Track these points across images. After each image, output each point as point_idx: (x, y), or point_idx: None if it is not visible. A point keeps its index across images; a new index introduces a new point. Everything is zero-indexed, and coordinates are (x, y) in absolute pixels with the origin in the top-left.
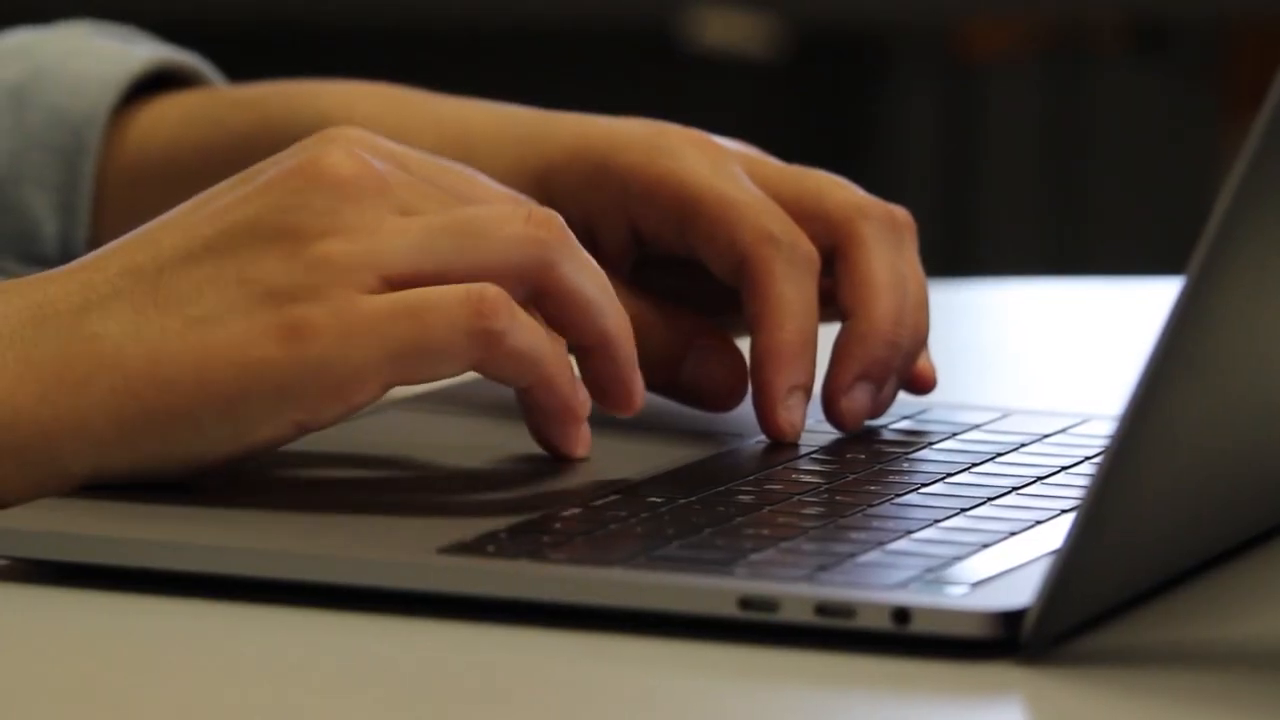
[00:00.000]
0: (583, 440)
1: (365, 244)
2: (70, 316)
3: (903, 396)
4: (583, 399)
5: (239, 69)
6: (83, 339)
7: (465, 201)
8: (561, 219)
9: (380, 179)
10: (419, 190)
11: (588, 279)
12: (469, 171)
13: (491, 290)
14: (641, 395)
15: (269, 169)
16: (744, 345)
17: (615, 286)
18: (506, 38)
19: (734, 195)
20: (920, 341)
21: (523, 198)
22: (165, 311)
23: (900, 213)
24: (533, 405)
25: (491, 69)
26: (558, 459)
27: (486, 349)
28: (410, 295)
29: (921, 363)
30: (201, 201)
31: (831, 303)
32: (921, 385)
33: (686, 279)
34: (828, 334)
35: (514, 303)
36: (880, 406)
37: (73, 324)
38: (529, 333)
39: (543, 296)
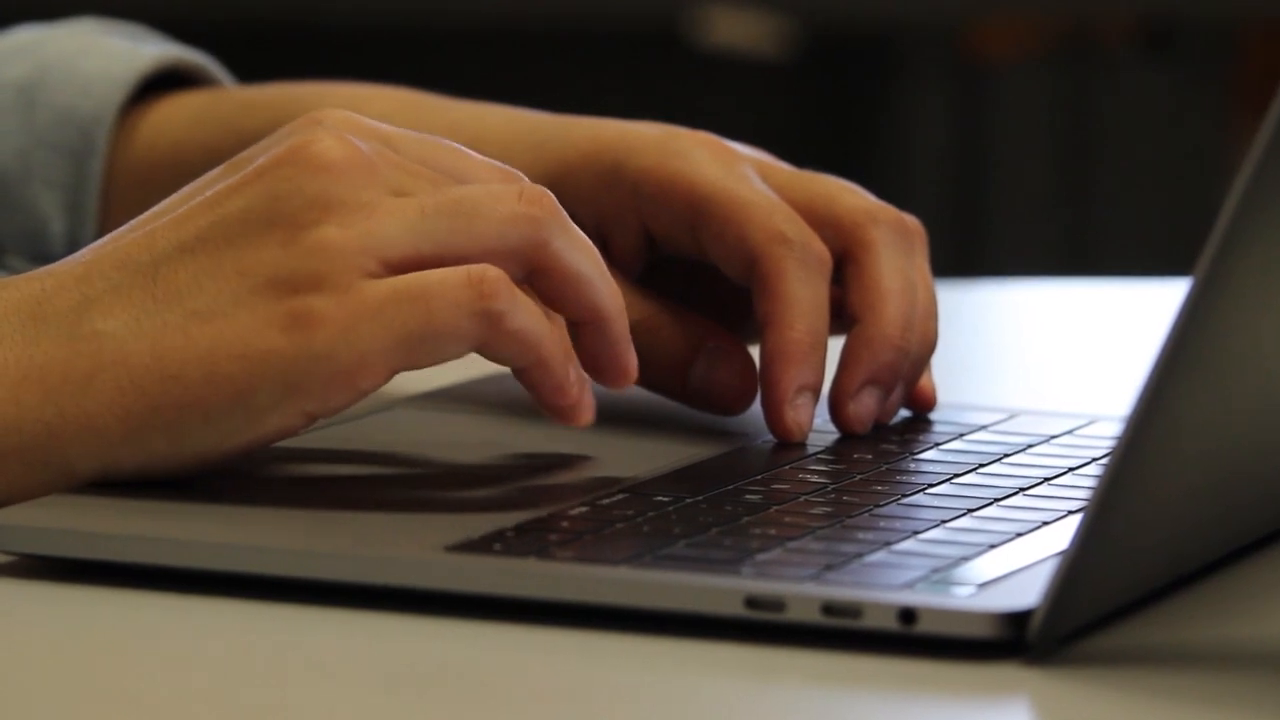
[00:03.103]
0: (584, 410)
1: (361, 228)
2: (69, 314)
3: None
4: (577, 377)
5: (247, 68)
6: (84, 337)
7: (456, 177)
8: (552, 195)
9: (369, 161)
10: (408, 169)
11: (581, 255)
12: (457, 147)
13: (492, 271)
14: (635, 368)
15: (257, 156)
16: (756, 354)
17: (626, 289)
18: (514, 38)
19: (746, 196)
20: (929, 349)
21: (511, 169)
22: (165, 305)
23: (911, 220)
24: (529, 384)
25: (499, 69)
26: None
27: (489, 330)
28: (412, 279)
29: (923, 381)
30: (191, 192)
31: (840, 314)
32: (921, 404)
33: (697, 285)
34: (836, 342)
35: (513, 283)
36: (887, 412)
37: (73, 322)
38: (528, 313)
39: (537, 273)
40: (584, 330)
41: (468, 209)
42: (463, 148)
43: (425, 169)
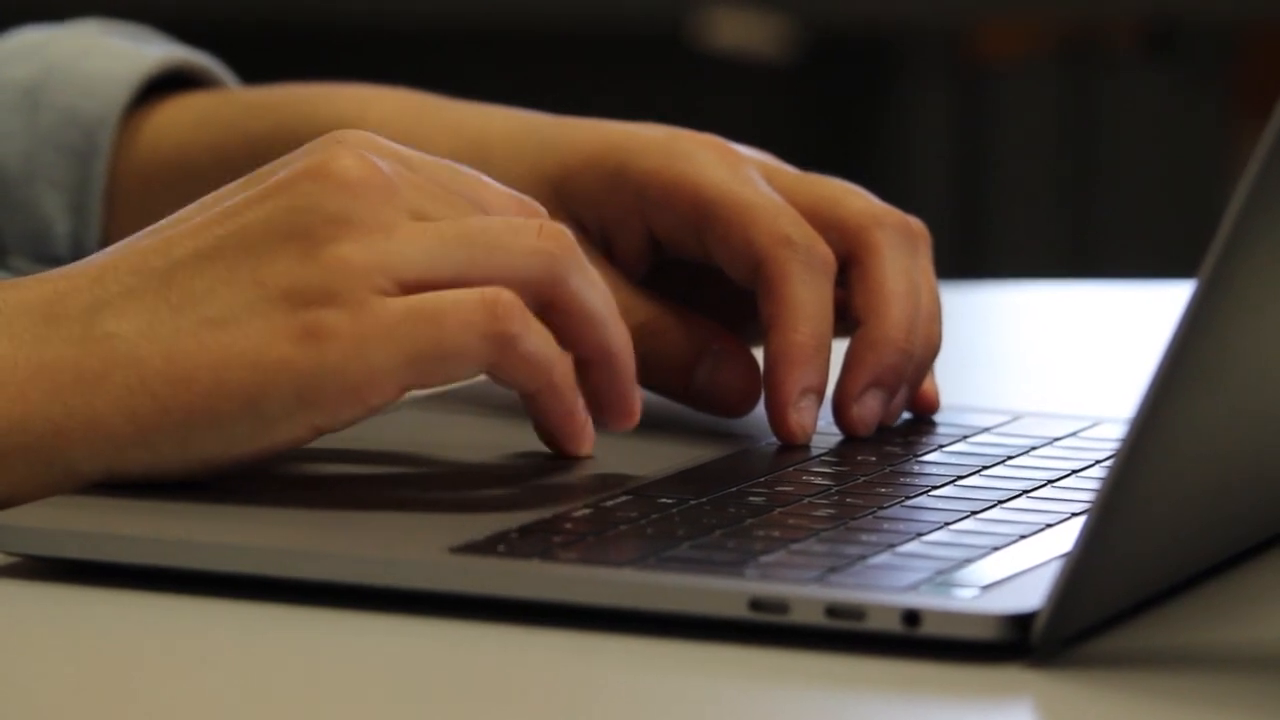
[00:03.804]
0: (588, 438)
1: (380, 247)
2: (82, 315)
3: None
4: (582, 406)
5: (251, 69)
6: (96, 338)
7: (474, 202)
8: (571, 234)
9: (388, 181)
10: (427, 192)
11: (594, 294)
12: (475, 174)
13: (505, 294)
14: (638, 410)
15: (278, 171)
16: (760, 356)
17: (630, 292)
18: (517, 40)
19: (750, 198)
20: (933, 352)
21: (528, 200)
22: (179, 311)
23: (916, 223)
24: (538, 410)
25: (503, 71)
26: (564, 457)
27: (501, 352)
28: (427, 299)
29: (926, 385)
30: (210, 202)
31: (844, 317)
32: (925, 407)
33: (701, 287)
34: (840, 345)
35: (526, 308)
36: (891, 415)
37: (85, 323)
38: (540, 338)
39: (550, 309)
40: (591, 369)
41: (487, 239)
42: (480, 174)
43: (445, 192)
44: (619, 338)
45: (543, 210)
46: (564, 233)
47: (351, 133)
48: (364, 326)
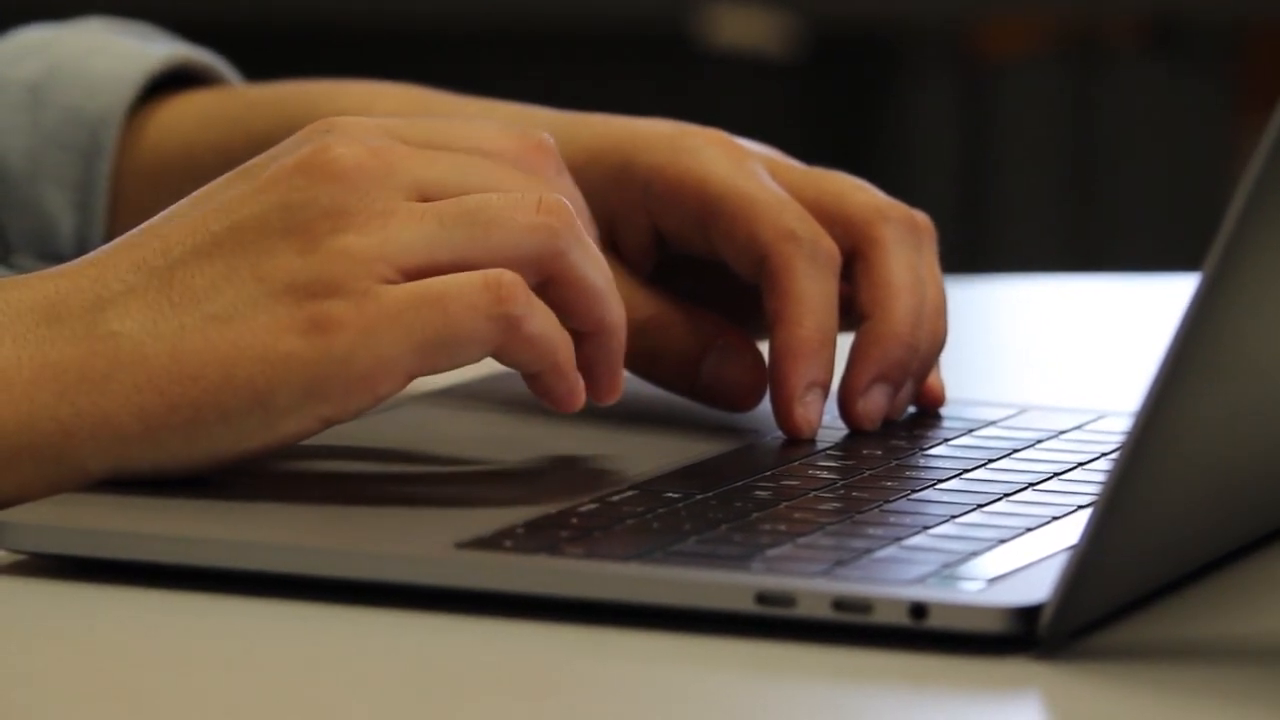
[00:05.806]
0: (580, 405)
1: (379, 235)
2: (85, 314)
3: None
4: (583, 384)
5: (254, 68)
6: (99, 336)
7: (472, 152)
8: (570, 206)
9: (383, 162)
10: (423, 159)
11: (593, 267)
12: (469, 123)
13: (508, 275)
14: (622, 386)
15: (269, 164)
16: (766, 350)
17: (635, 287)
18: (518, 40)
19: (755, 193)
20: (938, 346)
21: (529, 134)
22: (181, 308)
23: (921, 217)
24: (540, 390)
25: (506, 71)
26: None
27: (506, 334)
28: (431, 284)
29: (931, 379)
30: (203, 197)
31: (849, 311)
32: (930, 401)
33: (707, 282)
34: (845, 339)
35: (529, 289)
36: (897, 409)
37: (88, 322)
38: (544, 318)
39: (550, 283)
40: (585, 341)
41: (485, 217)
42: (477, 124)
43: (443, 153)
44: (615, 312)
45: (547, 140)
46: (563, 205)
47: (336, 120)
48: (369, 316)
